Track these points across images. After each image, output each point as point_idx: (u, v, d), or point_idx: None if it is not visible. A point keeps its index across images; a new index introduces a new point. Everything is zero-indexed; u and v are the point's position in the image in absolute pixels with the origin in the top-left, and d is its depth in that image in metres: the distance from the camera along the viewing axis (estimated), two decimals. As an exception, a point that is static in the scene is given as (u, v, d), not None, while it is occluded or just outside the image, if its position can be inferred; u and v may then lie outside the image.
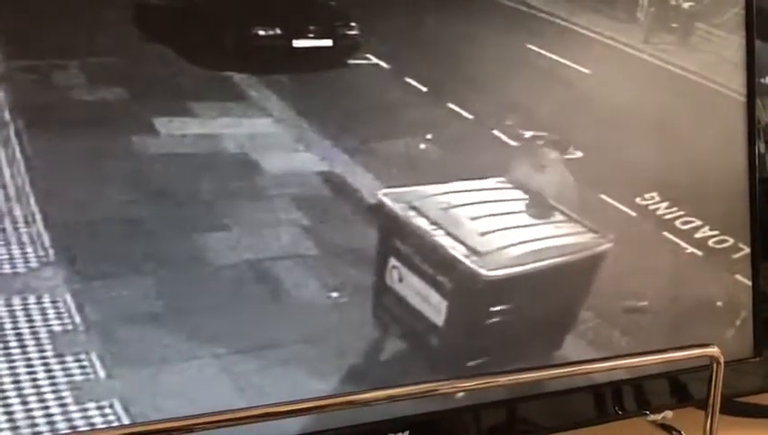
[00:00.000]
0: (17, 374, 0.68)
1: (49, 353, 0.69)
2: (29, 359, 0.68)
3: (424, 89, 0.82)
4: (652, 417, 0.93)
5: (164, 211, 0.72)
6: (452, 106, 0.83)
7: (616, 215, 0.91)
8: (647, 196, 0.93)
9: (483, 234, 0.84)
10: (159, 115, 0.72)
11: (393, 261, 0.81)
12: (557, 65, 0.88)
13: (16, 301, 0.68)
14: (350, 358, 0.79)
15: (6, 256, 0.68)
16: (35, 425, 0.68)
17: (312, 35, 0.78)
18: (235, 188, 0.75)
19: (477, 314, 0.85)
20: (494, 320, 0.85)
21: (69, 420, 0.69)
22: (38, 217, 0.69)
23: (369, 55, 0.80)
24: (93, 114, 0.70)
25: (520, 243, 0.86)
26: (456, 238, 0.83)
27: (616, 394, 0.93)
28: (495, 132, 0.85)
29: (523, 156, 0.86)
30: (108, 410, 0.70)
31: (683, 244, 0.95)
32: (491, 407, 0.86)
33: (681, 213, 0.95)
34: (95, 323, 0.70)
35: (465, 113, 0.84)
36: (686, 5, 0.95)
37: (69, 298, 0.69)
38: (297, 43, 0.77)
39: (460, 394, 0.83)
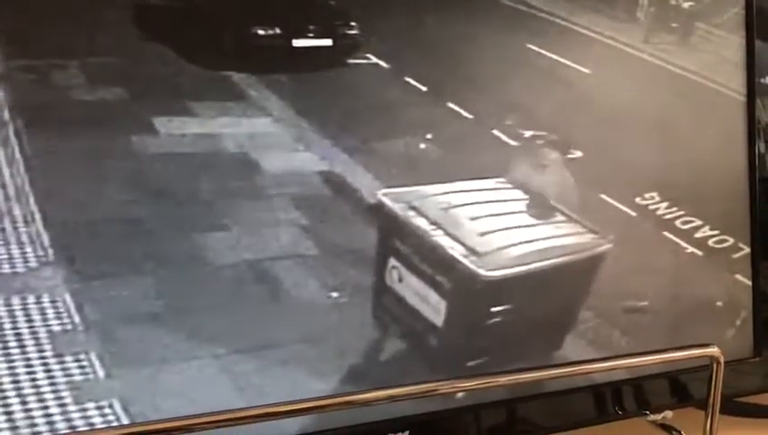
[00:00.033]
0: (16, 374, 0.68)
1: (48, 353, 0.69)
2: (28, 359, 0.68)
3: (424, 88, 0.82)
4: (652, 417, 0.93)
5: (163, 211, 0.72)
6: (452, 106, 0.83)
7: (616, 215, 0.91)
8: (647, 195, 0.93)
9: (482, 234, 0.84)
10: (159, 115, 0.72)
11: (393, 261, 0.81)
12: (557, 65, 0.88)
13: (15, 301, 0.68)
14: (349, 358, 0.79)
15: (6, 256, 0.68)
16: (35, 425, 0.67)
17: (311, 35, 0.78)
18: (234, 188, 0.75)
19: (477, 315, 0.85)
20: (494, 320, 0.85)
21: (68, 420, 0.68)
22: (37, 216, 0.69)
23: (368, 55, 0.80)
24: (93, 114, 0.70)
25: (519, 243, 0.86)
26: (455, 238, 0.83)
27: (616, 394, 0.93)
28: (495, 132, 0.85)
29: (523, 156, 0.86)
30: (107, 410, 0.70)
31: (683, 244, 0.95)
32: (491, 407, 0.86)
33: (681, 213, 0.95)
34: (94, 322, 0.70)
35: (465, 113, 0.84)
36: (686, 5, 0.95)
37: (68, 298, 0.69)
38: (297, 43, 0.77)
39: (460, 394, 0.83)
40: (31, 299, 0.69)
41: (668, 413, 0.93)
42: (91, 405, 0.69)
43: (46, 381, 0.68)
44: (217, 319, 0.74)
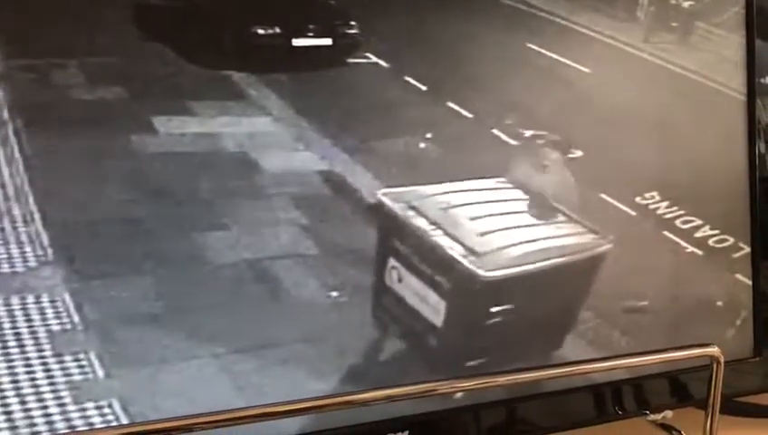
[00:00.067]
0: (16, 374, 0.68)
1: (47, 353, 0.69)
2: (27, 358, 0.68)
3: (424, 88, 0.82)
4: (652, 417, 0.93)
5: (163, 210, 0.72)
6: (452, 105, 0.83)
7: (616, 214, 0.91)
8: (647, 195, 0.93)
9: (482, 234, 0.84)
10: (158, 114, 0.72)
11: (392, 261, 0.81)
12: (557, 64, 0.88)
13: (15, 300, 0.68)
14: (349, 358, 0.79)
15: (5, 256, 0.68)
16: (34, 425, 0.67)
17: (311, 34, 0.78)
18: (234, 187, 0.74)
19: (476, 315, 0.85)
20: (493, 320, 0.85)
21: (67, 419, 0.68)
22: (37, 216, 0.69)
23: (368, 54, 0.80)
24: (92, 113, 0.70)
25: (519, 243, 0.86)
26: (454, 238, 0.83)
27: (616, 394, 0.93)
28: (495, 131, 0.85)
29: (523, 155, 0.86)
30: (107, 410, 0.70)
31: (683, 243, 0.95)
32: (491, 407, 0.86)
33: (681, 212, 0.94)
34: (94, 322, 0.70)
35: (464, 112, 0.83)
36: (686, 4, 0.95)
37: (67, 297, 0.69)
38: (296, 42, 0.77)
39: (459, 394, 0.83)
40: (30, 299, 0.69)
41: (668, 413, 0.93)
42: (90, 405, 0.69)
43: (45, 381, 0.68)
44: (217, 318, 0.74)
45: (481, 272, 0.83)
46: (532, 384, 0.85)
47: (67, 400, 0.69)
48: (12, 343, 0.68)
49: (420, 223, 0.82)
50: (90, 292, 0.70)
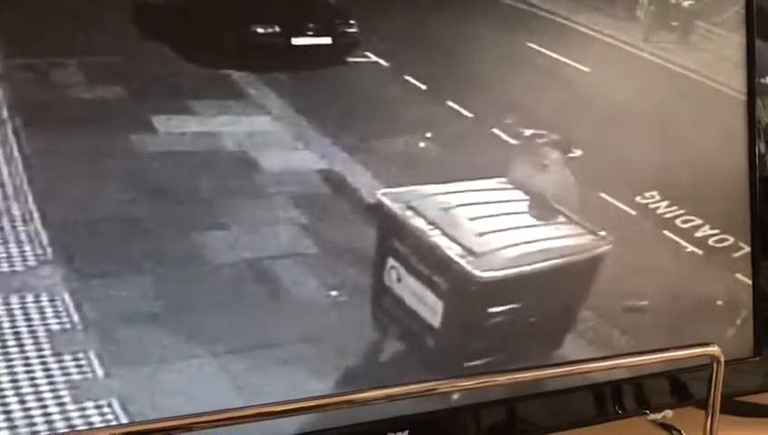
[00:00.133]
0: (15, 373, 0.68)
1: (47, 352, 0.69)
2: (27, 358, 0.68)
3: (423, 87, 0.82)
4: (652, 416, 0.93)
5: (162, 209, 0.72)
6: (452, 104, 0.83)
7: (616, 214, 0.91)
8: (647, 194, 0.93)
9: (480, 234, 0.84)
10: (158, 113, 0.72)
11: (391, 261, 0.81)
12: (557, 64, 0.88)
13: (14, 299, 0.68)
14: (349, 357, 0.79)
15: (4, 255, 0.68)
16: (33, 424, 0.67)
17: (311, 33, 0.78)
18: (233, 187, 0.74)
19: (474, 316, 0.85)
20: (492, 321, 0.85)
21: (67, 419, 0.68)
22: (36, 215, 0.68)
23: (368, 53, 0.80)
24: (92, 112, 0.70)
25: (517, 244, 0.86)
26: (452, 239, 0.82)
27: (616, 393, 0.93)
28: (495, 131, 0.85)
29: (523, 154, 0.86)
30: (106, 410, 0.70)
31: (683, 243, 0.95)
32: (491, 406, 0.86)
33: (681, 212, 0.94)
34: (93, 321, 0.70)
35: (464, 111, 0.83)
36: (686, 4, 0.95)
37: (67, 297, 0.69)
38: (296, 41, 0.77)
39: (458, 394, 0.83)
40: (30, 298, 0.69)
41: (668, 413, 0.93)
42: (89, 404, 0.69)
43: (45, 381, 0.68)
44: (216, 318, 0.74)
45: (478, 272, 0.83)
46: (533, 384, 0.85)
47: (66, 399, 0.68)
48: (11, 343, 0.68)
49: (419, 223, 0.82)
50: (89, 291, 0.70)
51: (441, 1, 0.83)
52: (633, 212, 0.92)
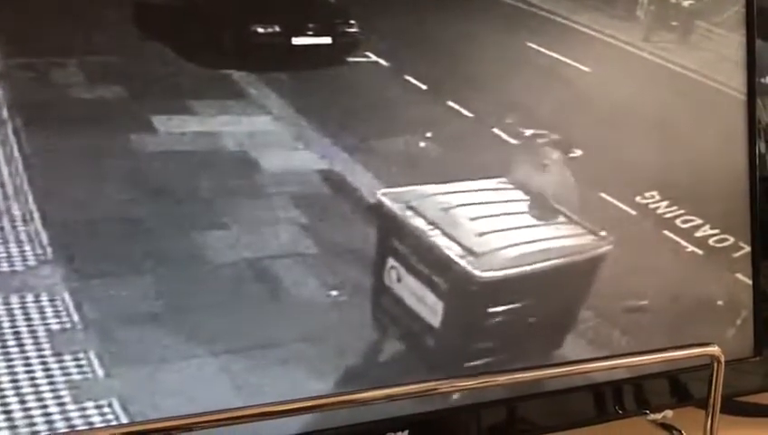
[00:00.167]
0: (15, 373, 0.68)
1: (47, 352, 0.69)
2: (27, 358, 0.68)
3: (424, 87, 0.82)
4: (652, 416, 0.93)
5: (163, 209, 0.72)
6: (452, 104, 0.83)
7: (616, 214, 0.91)
8: (647, 194, 0.93)
9: (480, 234, 0.84)
10: (158, 113, 0.72)
11: (391, 261, 0.81)
12: (557, 63, 0.88)
13: (14, 299, 0.68)
14: (349, 357, 0.79)
15: (4, 255, 0.68)
16: (33, 424, 0.67)
17: (311, 33, 0.78)
18: (234, 187, 0.74)
19: (474, 316, 0.85)
20: (492, 321, 0.85)
21: (67, 419, 0.68)
22: (36, 215, 0.68)
23: (368, 53, 0.80)
24: (92, 112, 0.70)
25: (517, 244, 0.86)
26: (452, 239, 0.82)
27: (616, 393, 0.93)
28: (495, 131, 0.85)
29: (524, 154, 0.86)
30: (106, 410, 0.70)
31: (683, 242, 0.95)
32: (491, 406, 0.86)
33: (681, 212, 0.94)
34: (93, 321, 0.70)
35: (465, 111, 0.83)
36: (686, 4, 0.95)
37: (67, 296, 0.69)
38: (296, 41, 0.77)
39: (458, 394, 0.83)
40: (30, 298, 0.69)
41: (669, 413, 0.93)
42: (90, 404, 0.69)
43: (45, 380, 0.68)
44: (217, 318, 0.74)
45: (477, 272, 0.83)
46: (533, 384, 0.85)
47: (67, 399, 0.68)
48: (11, 343, 0.68)
49: (419, 223, 0.82)
50: (89, 291, 0.70)
51: (441, 1, 0.83)
52: (633, 212, 0.92)
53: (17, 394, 0.67)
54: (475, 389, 0.79)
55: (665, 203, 0.93)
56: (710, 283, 0.97)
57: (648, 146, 0.93)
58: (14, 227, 0.68)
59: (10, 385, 0.67)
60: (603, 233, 0.90)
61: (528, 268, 0.86)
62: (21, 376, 0.68)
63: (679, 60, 0.94)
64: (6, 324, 0.68)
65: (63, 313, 0.69)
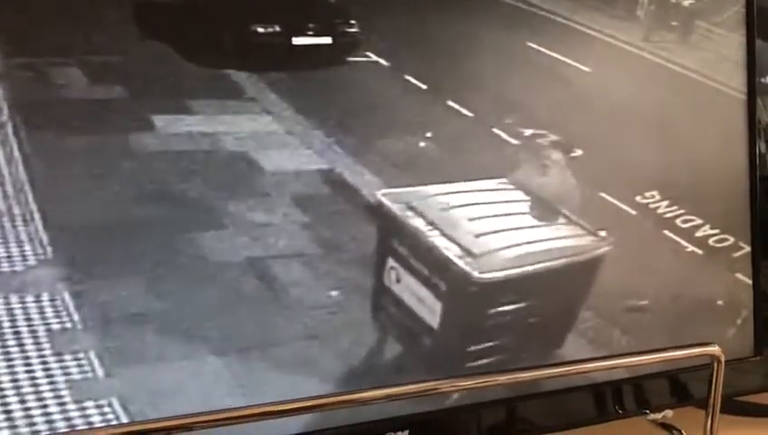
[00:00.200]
0: (15, 373, 0.68)
1: (47, 352, 0.69)
2: (27, 357, 0.68)
3: (424, 87, 0.82)
4: (652, 416, 0.93)
5: (163, 209, 0.72)
6: (452, 104, 0.83)
7: (616, 213, 0.91)
8: (647, 194, 0.93)
9: (479, 235, 0.84)
10: (158, 113, 0.72)
11: (391, 261, 0.81)
12: (557, 63, 0.88)
13: (14, 299, 0.68)
14: (349, 357, 0.79)
15: (5, 255, 0.68)
16: (34, 424, 0.67)
17: (311, 33, 0.78)
18: (234, 186, 0.74)
19: (473, 316, 0.85)
20: (492, 322, 0.85)
21: (67, 418, 0.68)
22: (36, 215, 0.68)
23: (368, 53, 0.80)
24: (92, 112, 0.70)
25: (517, 244, 0.85)
26: (451, 239, 0.82)
27: (616, 393, 0.93)
28: (495, 131, 0.85)
29: (524, 154, 0.86)
30: (106, 409, 0.70)
31: (683, 242, 0.95)
32: (491, 406, 0.86)
33: (681, 211, 0.94)
34: (93, 321, 0.70)
35: (464, 111, 0.83)
36: (686, 3, 0.95)
37: (67, 296, 0.69)
38: (296, 41, 0.77)
39: (458, 394, 0.83)
40: (30, 298, 0.69)
41: (669, 412, 0.93)
42: (90, 404, 0.69)
43: (45, 380, 0.68)
44: (217, 318, 0.74)
45: (476, 273, 0.83)
46: (532, 383, 0.85)
47: (67, 398, 0.68)
48: (11, 342, 0.68)
49: (419, 223, 0.82)
50: (89, 291, 0.70)
51: (441, 1, 0.83)
52: (633, 212, 0.92)
53: (17, 394, 0.67)
54: (474, 389, 0.79)
55: (665, 203, 0.93)
56: (710, 283, 0.97)
57: (649, 146, 0.93)
58: (14, 227, 0.68)
59: (10, 385, 0.67)
60: (603, 233, 0.90)
61: (528, 269, 0.86)
62: (21, 376, 0.68)
63: (679, 60, 0.94)
64: (6, 324, 0.68)
65: (64, 312, 0.69)
